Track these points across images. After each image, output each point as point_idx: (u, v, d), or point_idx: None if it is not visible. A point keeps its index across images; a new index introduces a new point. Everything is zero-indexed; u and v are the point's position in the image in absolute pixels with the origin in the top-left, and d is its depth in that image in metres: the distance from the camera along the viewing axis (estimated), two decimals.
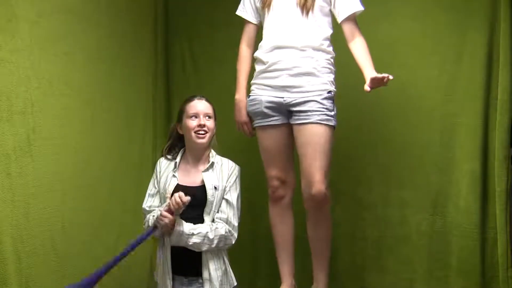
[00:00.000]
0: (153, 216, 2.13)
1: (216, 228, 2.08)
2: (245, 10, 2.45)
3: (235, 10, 2.85)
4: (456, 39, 2.58)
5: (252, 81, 2.40)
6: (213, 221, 2.12)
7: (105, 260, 2.57)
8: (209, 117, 2.18)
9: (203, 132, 2.14)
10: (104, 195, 2.58)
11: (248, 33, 2.45)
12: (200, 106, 2.18)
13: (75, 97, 2.38)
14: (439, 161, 2.63)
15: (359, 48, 2.26)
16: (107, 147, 2.62)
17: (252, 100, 2.36)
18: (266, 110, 2.31)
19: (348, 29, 2.29)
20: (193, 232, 2.04)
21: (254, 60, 2.41)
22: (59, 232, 2.24)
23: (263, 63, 2.33)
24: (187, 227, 2.04)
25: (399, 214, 2.71)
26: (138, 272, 2.82)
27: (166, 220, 2.02)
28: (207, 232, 2.05)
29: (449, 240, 2.59)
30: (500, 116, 2.44)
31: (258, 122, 2.36)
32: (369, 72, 2.20)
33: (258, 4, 2.40)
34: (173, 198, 2.01)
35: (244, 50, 2.44)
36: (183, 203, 2.00)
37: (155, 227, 2.06)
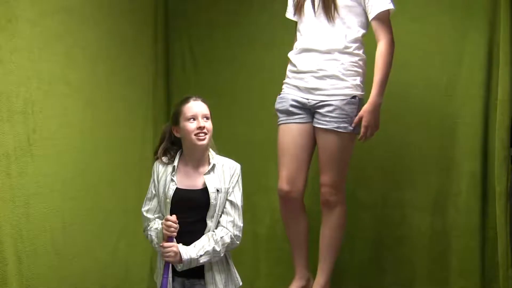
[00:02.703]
0: (150, 235, 2.12)
1: (221, 237, 2.05)
2: (290, 12, 2.47)
3: (235, 10, 2.86)
4: (456, 39, 2.58)
5: (284, 81, 2.43)
6: (218, 223, 2.10)
7: (106, 261, 2.58)
8: (207, 118, 2.16)
9: (203, 134, 2.12)
10: (104, 195, 2.58)
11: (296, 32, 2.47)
12: (197, 107, 2.14)
13: (75, 97, 2.38)
14: (439, 161, 2.63)
15: (376, 56, 2.25)
16: (107, 147, 2.61)
17: (280, 98, 2.40)
18: (291, 108, 2.33)
19: (374, 31, 2.28)
20: (201, 254, 2.02)
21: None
22: (59, 232, 2.24)
23: (293, 64, 2.37)
24: (193, 251, 2.00)
25: (399, 214, 2.71)
26: (138, 272, 2.82)
27: (174, 249, 1.98)
28: (213, 248, 2.03)
29: (449, 240, 2.60)
30: (500, 116, 2.44)
31: (282, 120, 2.38)
32: (372, 93, 2.21)
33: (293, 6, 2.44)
34: (163, 225, 2.00)
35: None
36: (174, 221, 1.99)
37: (166, 265, 2.04)
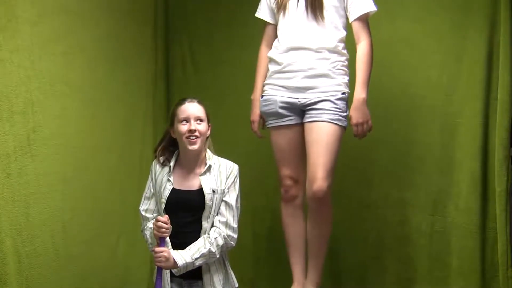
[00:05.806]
0: (146, 235, 2.12)
1: (215, 238, 2.05)
2: (263, 12, 2.44)
3: (236, 10, 2.85)
4: (456, 39, 2.58)
5: (266, 81, 2.40)
6: (212, 224, 2.10)
7: (105, 261, 2.58)
8: (201, 120, 2.13)
9: (194, 138, 2.09)
10: (104, 195, 2.58)
11: (267, 34, 2.46)
12: (190, 109, 2.12)
13: (75, 97, 2.38)
14: (439, 161, 2.62)
15: (358, 56, 2.26)
16: (107, 147, 2.62)
17: (265, 100, 2.37)
18: (280, 110, 2.32)
19: (355, 31, 2.28)
20: (197, 257, 2.01)
21: (268, 60, 2.41)
22: (59, 232, 2.24)
23: (277, 63, 2.34)
24: (188, 255, 2.00)
25: (400, 214, 2.71)
26: (138, 273, 2.82)
27: (165, 254, 1.98)
28: (209, 249, 2.02)
29: (449, 240, 2.59)
30: (500, 116, 2.44)
31: (272, 123, 2.37)
32: (356, 91, 2.23)
33: (273, 5, 2.40)
34: (154, 226, 1.99)
35: (264, 51, 2.45)
36: (165, 222, 1.98)
37: (159, 268, 2.03)
